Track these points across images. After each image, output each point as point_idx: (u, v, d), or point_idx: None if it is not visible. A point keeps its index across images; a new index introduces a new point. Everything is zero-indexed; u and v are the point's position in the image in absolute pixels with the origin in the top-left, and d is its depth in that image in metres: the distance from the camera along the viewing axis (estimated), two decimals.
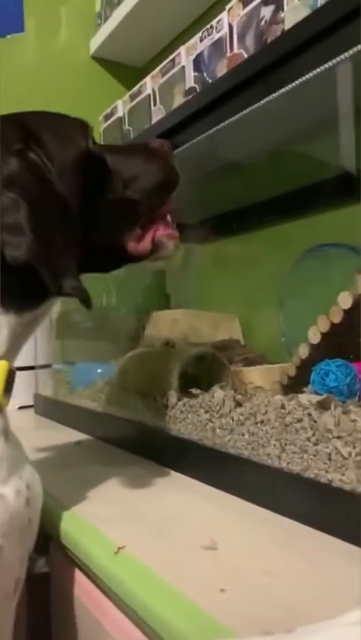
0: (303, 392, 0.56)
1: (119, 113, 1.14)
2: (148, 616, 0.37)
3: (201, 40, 0.86)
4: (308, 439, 0.47)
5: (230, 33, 0.79)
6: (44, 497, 0.56)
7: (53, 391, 1.12)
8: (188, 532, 0.47)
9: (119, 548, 0.44)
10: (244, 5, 0.76)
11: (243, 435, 0.55)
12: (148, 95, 1.02)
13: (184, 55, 0.90)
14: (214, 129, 0.67)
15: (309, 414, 0.48)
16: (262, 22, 0.73)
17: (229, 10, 0.79)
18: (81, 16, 1.47)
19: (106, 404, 0.86)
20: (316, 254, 0.84)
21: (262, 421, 0.53)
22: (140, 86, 1.05)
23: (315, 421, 0.47)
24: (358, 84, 0.55)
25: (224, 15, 0.80)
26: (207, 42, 0.85)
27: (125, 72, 1.50)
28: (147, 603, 0.37)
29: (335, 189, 0.83)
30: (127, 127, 1.12)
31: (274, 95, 0.56)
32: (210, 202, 1.04)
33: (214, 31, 0.83)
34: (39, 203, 0.45)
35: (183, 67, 0.90)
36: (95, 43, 1.45)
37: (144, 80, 1.03)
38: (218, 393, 0.62)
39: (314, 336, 0.60)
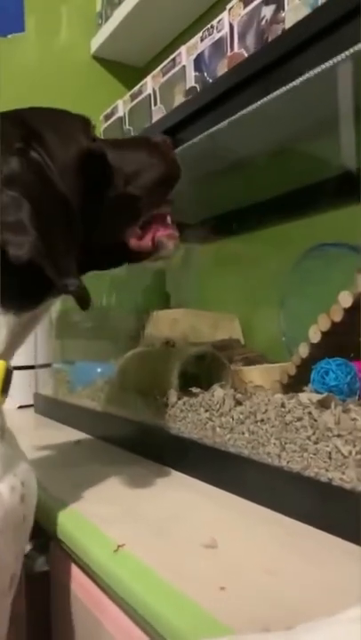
0: (303, 391, 0.56)
1: (120, 113, 1.14)
2: (148, 614, 0.37)
3: (202, 40, 0.86)
4: (309, 438, 0.47)
5: (231, 32, 0.79)
6: (45, 496, 0.56)
7: (53, 390, 1.12)
8: (188, 530, 0.46)
9: (119, 546, 0.43)
10: (245, 5, 0.76)
11: (243, 433, 0.55)
12: (149, 95, 1.02)
13: (185, 55, 0.90)
14: (214, 128, 0.67)
15: (310, 413, 0.48)
16: (263, 22, 0.73)
17: (230, 9, 0.79)
18: (81, 16, 1.47)
19: (106, 403, 0.86)
20: (317, 254, 0.84)
21: (262, 420, 0.53)
22: (141, 86, 1.05)
23: (315, 420, 0.47)
24: (359, 82, 0.55)
25: (225, 15, 0.80)
26: (208, 41, 0.85)
27: (126, 72, 1.50)
28: (147, 601, 0.37)
29: (336, 189, 0.83)
30: (128, 127, 1.12)
31: (274, 94, 0.56)
32: (210, 201, 1.04)
33: (215, 31, 0.83)
34: (41, 201, 0.45)
35: (184, 66, 0.90)
36: (96, 42, 1.46)
37: (145, 80, 1.03)
38: (218, 392, 0.61)
39: (314, 335, 0.60)
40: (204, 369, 0.75)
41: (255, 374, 0.75)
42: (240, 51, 0.78)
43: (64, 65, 1.44)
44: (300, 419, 0.49)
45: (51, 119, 0.50)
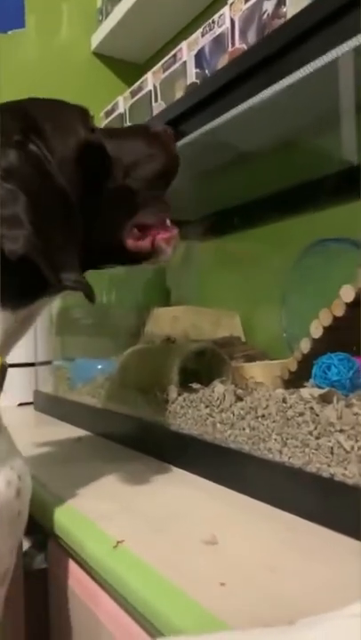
0: (305, 386, 0.56)
1: (120, 109, 1.14)
2: (147, 611, 0.37)
3: (202, 35, 0.85)
4: (310, 433, 0.47)
5: (232, 28, 0.79)
6: (44, 492, 0.56)
7: (53, 388, 1.11)
8: (188, 526, 0.46)
9: (118, 543, 0.43)
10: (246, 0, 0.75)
11: (243, 429, 0.55)
12: (150, 91, 1.01)
13: (185, 50, 0.90)
14: (215, 122, 0.66)
15: (311, 408, 0.48)
16: (264, 16, 0.73)
17: (231, 4, 0.78)
18: (82, 12, 1.47)
19: (106, 400, 0.85)
20: (318, 249, 0.84)
21: (263, 415, 0.53)
22: (141, 82, 1.04)
23: (317, 415, 0.47)
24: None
25: (226, 10, 0.79)
26: (208, 37, 0.84)
27: (127, 68, 1.50)
28: (145, 598, 0.37)
29: (337, 184, 0.82)
30: (128, 124, 1.12)
31: (276, 86, 0.56)
32: (210, 198, 1.03)
33: (216, 26, 0.82)
34: (39, 195, 0.44)
35: (185, 62, 0.90)
36: (96, 39, 1.45)
37: (145, 76, 1.02)
38: (218, 387, 0.61)
39: (316, 330, 0.59)
40: (205, 365, 0.75)
41: (256, 370, 0.75)
42: (241, 46, 0.77)
43: (64, 61, 1.44)
44: (301, 414, 0.48)
45: (50, 110, 0.50)
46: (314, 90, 0.60)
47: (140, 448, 0.70)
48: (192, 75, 0.89)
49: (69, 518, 0.51)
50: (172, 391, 0.68)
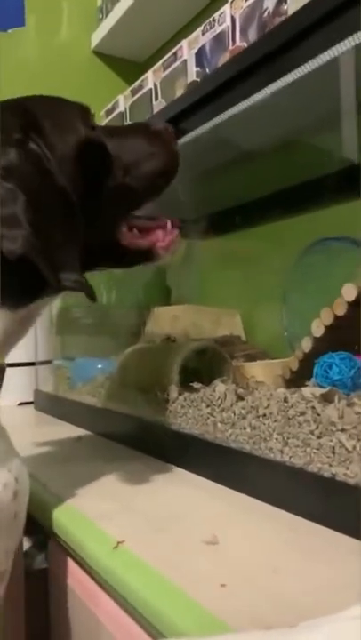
0: (306, 386, 0.55)
1: (121, 108, 1.14)
2: (148, 612, 0.36)
3: (203, 33, 0.85)
4: (312, 432, 0.47)
5: (233, 26, 0.78)
6: (44, 492, 0.56)
7: (54, 387, 1.11)
8: (188, 527, 0.46)
9: (118, 543, 0.43)
10: None
11: (244, 429, 0.55)
12: (150, 90, 1.01)
13: (186, 49, 0.89)
14: (215, 120, 0.66)
15: (313, 407, 0.47)
16: (265, 14, 0.72)
17: (232, 2, 0.78)
18: (82, 10, 1.46)
19: (106, 399, 0.85)
20: (319, 248, 0.83)
21: (264, 415, 0.52)
22: (142, 81, 1.04)
23: (318, 414, 0.47)
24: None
25: (226, 8, 0.79)
26: (209, 35, 0.84)
27: (127, 67, 1.50)
28: (146, 598, 0.37)
29: (338, 183, 0.82)
30: (129, 122, 1.12)
31: (277, 84, 0.55)
32: (211, 197, 1.03)
33: (216, 24, 0.82)
34: (38, 194, 0.44)
35: (185, 60, 0.89)
36: (96, 37, 1.45)
37: (145, 75, 1.02)
38: (219, 387, 0.61)
39: (317, 329, 0.59)
40: (205, 364, 0.75)
41: (257, 370, 0.74)
42: (242, 44, 0.77)
43: (65, 60, 1.44)
44: (303, 413, 0.48)
45: (50, 107, 0.50)
46: (314, 88, 0.59)
47: (141, 448, 0.70)
48: (192, 73, 0.88)
49: (69, 518, 0.51)
50: (173, 390, 0.68)
